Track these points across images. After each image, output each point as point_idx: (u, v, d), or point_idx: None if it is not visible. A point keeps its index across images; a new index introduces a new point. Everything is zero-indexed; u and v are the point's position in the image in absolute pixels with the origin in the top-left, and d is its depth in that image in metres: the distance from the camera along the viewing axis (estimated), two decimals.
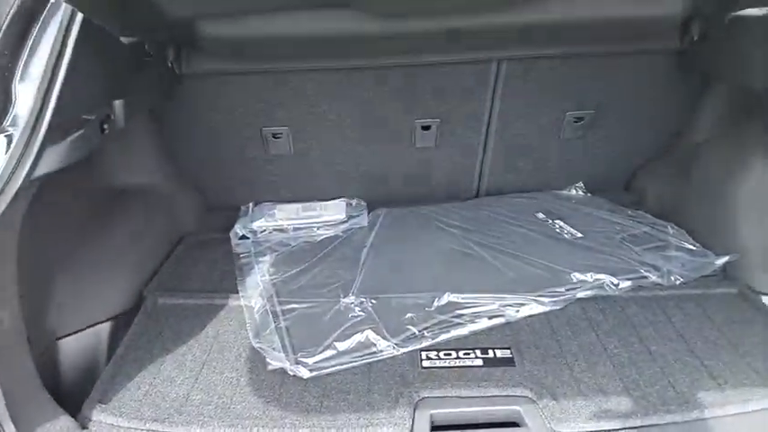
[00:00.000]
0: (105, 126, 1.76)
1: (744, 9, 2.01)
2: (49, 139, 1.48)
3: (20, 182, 1.42)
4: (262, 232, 2.47)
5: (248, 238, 2.45)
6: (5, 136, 1.46)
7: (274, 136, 2.50)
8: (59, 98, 1.50)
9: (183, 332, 1.91)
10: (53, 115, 1.48)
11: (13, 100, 1.51)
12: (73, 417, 1.54)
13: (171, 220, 2.50)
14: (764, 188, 2.07)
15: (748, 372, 1.63)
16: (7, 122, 1.50)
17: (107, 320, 1.93)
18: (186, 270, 2.26)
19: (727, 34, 2.12)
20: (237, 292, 2.09)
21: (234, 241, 2.42)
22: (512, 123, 2.53)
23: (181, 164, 2.61)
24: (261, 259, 2.29)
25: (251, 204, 2.66)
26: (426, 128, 2.52)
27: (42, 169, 1.47)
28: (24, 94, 1.51)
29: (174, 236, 2.50)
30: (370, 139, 2.55)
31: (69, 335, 1.82)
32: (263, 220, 2.50)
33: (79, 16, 1.55)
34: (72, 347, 1.82)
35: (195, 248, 2.44)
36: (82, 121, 1.64)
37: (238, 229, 2.47)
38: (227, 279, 2.19)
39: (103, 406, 1.59)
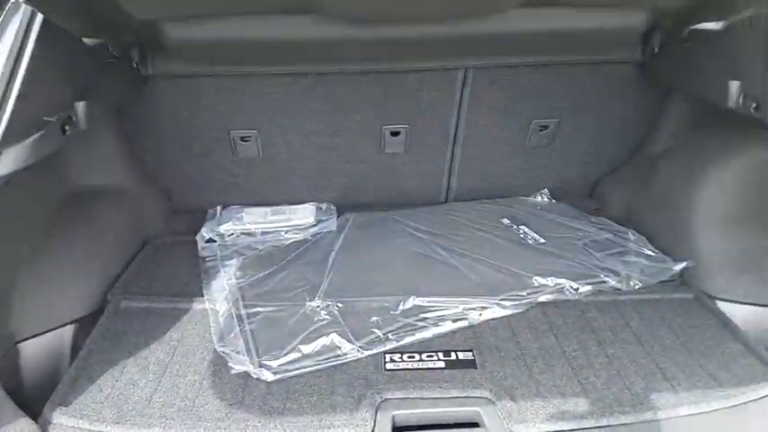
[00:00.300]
0: (67, 128, 1.75)
1: (701, 23, 2.08)
2: (6, 141, 1.47)
3: None
4: (229, 236, 2.46)
5: (215, 241, 2.44)
6: None
7: (242, 139, 2.51)
8: (18, 99, 1.49)
9: (147, 335, 1.89)
10: (11, 116, 1.48)
11: None
12: (34, 420, 1.53)
13: (136, 223, 2.48)
14: (720, 198, 2.14)
15: (701, 374, 1.68)
16: None
17: (70, 323, 1.91)
18: (151, 273, 2.25)
19: (685, 47, 2.19)
20: (203, 296, 2.09)
21: (200, 245, 2.41)
22: (479, 130, 2.58)
23: (147, 166, 2.59)
24: (227, 263, 2.29)
25: (218, 207, 2.65)
26: (395, 134, 2.55)
27: (1, 170, 1.47)
28: None
29: (140, 238, 2.48)
30: (339, 144, 2.57)
31: (31, 337, 1.80)
32: (230, 223, 2.50)
33: (39, 17, 1.54)
34: (34, 350, 1.80)
35: (161, 251, 2.42)
36: (42, 123, 1.63)
37: (205, 232, 2.46)
38: (193, 282, 2.18)
39: (64, 408, 1.58)
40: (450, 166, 2.69)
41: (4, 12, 1.58)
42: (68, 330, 1.91)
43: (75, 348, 1.88)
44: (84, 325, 1.95)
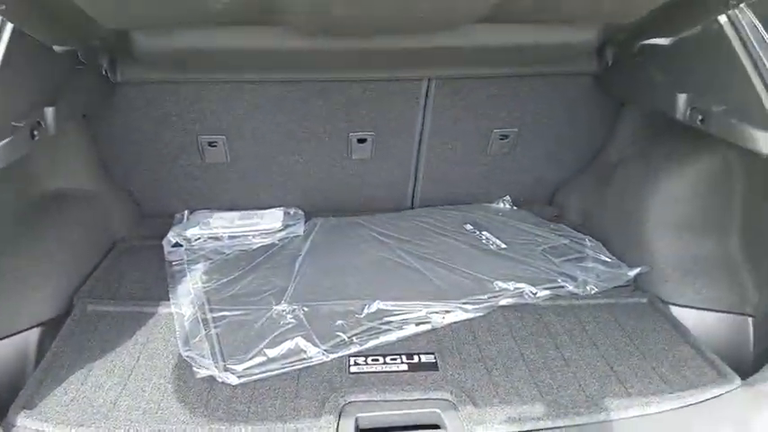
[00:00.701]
0: (36, 133, 1.76)
1: (650, 39, 2.17)
2: None
3: None
4: (196, 240, 2.47)
5: (181, 245, 2.45)
6: None
7: (210, 144, 2.53)
8: None
9: (113, 339, 1.90)
10: None
11: None
12: None
13: (103, 227, 2.48)
14: (671, 206, 2.24)
15: (653, 377, 1.75)
16: None
17: (36, 326, 1.91)
18: (118, 277, 2.25)
19: (636, 61, 2.28)
20: (169, 300, 2.10)
21: (167, 249, 2.42)
22: (442, 139, 2.64)
23: (115, 170, 2.59)
24: (193, 267, 2.30)
25: (186, 212, 2.67)
26: (362, 140, 2.60)
27: None
28: None
29: (107, 242, 2.48)
30: (306, 150, 2.61)
31: None
32: (197, 227, 2.51)
33: (9, 26, 1.55)
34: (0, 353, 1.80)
35: (128, 255, 2.43)
36: (11, 128, 1.64)
37: (172, 236, 2.46)
38: (159, 287, 2.19)
39: (29, 411, 1.58)
40: (414, 173, 2.75)
41: None
42: (34, 333, 1.90)
43: (41, 351, 1.87)
44: (50, 328, 1.94)
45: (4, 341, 1.82)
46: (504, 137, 2.67)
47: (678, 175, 2.23)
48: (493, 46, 2.16)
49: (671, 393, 1.67)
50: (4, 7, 1.52)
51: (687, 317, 2.05)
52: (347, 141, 2.60)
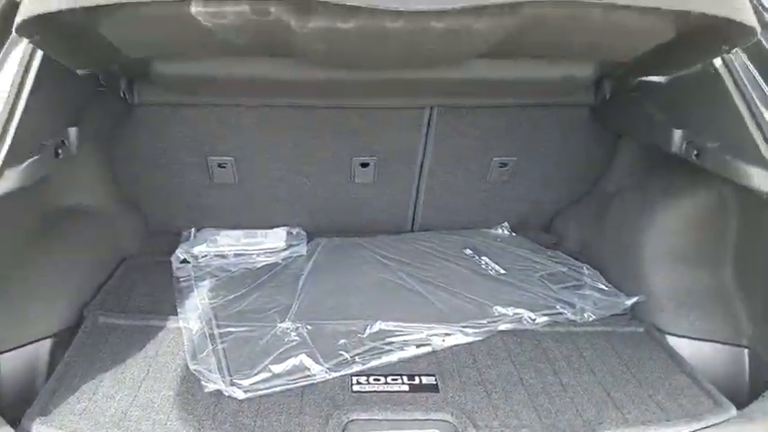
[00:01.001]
0: (60, 151, 1.85)
1: (647, 76, 2.26)
2: (8, 162, 1.57)
3: None
4: (203, 257, 2.53)
5: (189, 262, 2.50)
6: None
7: (219, 165, 2.60)
8: (19, 125, 1.60)
9: (123, 351, 1.94)
10: (13, 139, 1.58)
11: None
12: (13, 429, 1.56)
13: (113, 242, 2.54)
14: (667, 238, 2.30)
15: (649, 403, 1.78)
16: None
17: (47, 337, 1.96)
18: (127, 291, 2.30)
19: (633, 96, 2.37)
20: (176, 315, 2.14)
21: (175, 265, 2.47)
22: (443, 165, 2.72)
23: (126, 188, 2.66)
24: (201, 283, 2.35)
25: (193, 230, 2.72)
26: (365, 165, 2.67)
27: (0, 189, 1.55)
28: None
29: (116, 258, 2.53)
30: (311, 174, 2.68)
31: (9, 350, 1.84)
32: (204, 245, 2.57)
33: (39, 53, 1.66)
34: (11, 363, 1.84)
35: (136, 271, 2.48)
36: (40, 146, 1.73)
37: (180, 253, 2.52)
38: (167, 301, 2.24)
39: (43, 418, 1.61)
40: (415, 198, 2.82)
41: (5, 45, 1.73)
42: (45, 344, 1.95)
43: (52, 361, 1.92)
44: (61, 339, 1.99)
45: (16, 351, 1.86)
46: (504, 165, 2.75)
47: (674, 209, 2.29)
48: (493, 79, 2.26)
49: (668, 421, 1.70)
50: (38, 37, 1.61)
51: (683, 347, 2.09)
52: (350, 166, 2.67)
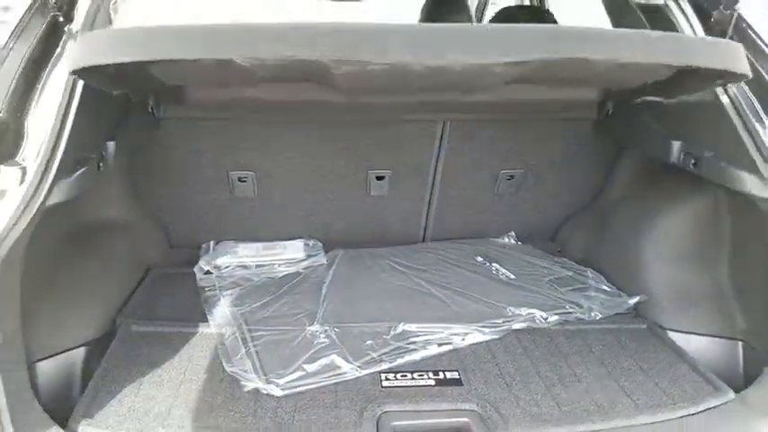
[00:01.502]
0: (101, 164, 1.96)
1: (648, 97, 2.43)
2: (60, 174, 1.68)
3: (34, 210, 1.59)
4: (225, 268, 2.61)
5: (212, 273, 2.58)
6: (20, 168, 1.65)
7: (240, 179, 2.71)
8: (69, 138, 1.72)
9: (158, 357, 2.01)
10: (64, 152, 1.70)
11: (25, 137, 1.72)
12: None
13: (139, 254, 2.62)
14: (666, 242, 2.45)
15: (656, 390, 1.93)
16: (20, 156, 1.69)
17: (81, 345, 2.03)
18: (155, 300, 2.39)
19: (634, 111, 2.54)
20: (206, 321, 2.22)
21: (198, 275, 2.55)
22: (454, 177, 2.85)
23: (148, 201, 2.75)
24: (225, 292, 2.42)
25: (212, 242, 2.80)
26: (380, 178, 2.79)
27: (52, 200, 1.66)
28: (37, 132, 1.73)
29: (142, 269, 2.61)
30: (328, 187, 2.80)
31: (45, 358, 1.91)
32: (227, 256, 2.65)
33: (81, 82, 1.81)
34: (47, 370, 1.91)
35: (162, 281, 2.56)
36: (85, 159, 1.84)
37: (203, 264, 2.60)
38: (195, 309, 2.31)
39: (89, 420, 1.68)
40: (427, 209, 2.94)
41: (50, 62, 1.88)
42: (80, 352, 2.02)
43: (87, 369, 1.99)
44: (94, 347, 2.06)
45: (52, 358, 1.93)
46: (511, 177, 2.88)
47: (673, 214, 2.44)
48: (505, 101, 2.43)
49: (673, 404, 1.85)
50: (84, 74, 1.70)
51: (683, 341, 2.23)
52: (366, 179, 2.80)
